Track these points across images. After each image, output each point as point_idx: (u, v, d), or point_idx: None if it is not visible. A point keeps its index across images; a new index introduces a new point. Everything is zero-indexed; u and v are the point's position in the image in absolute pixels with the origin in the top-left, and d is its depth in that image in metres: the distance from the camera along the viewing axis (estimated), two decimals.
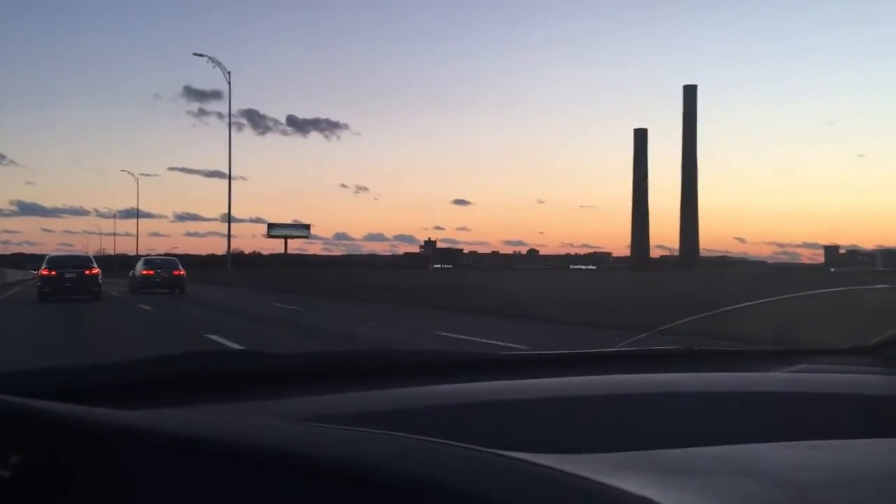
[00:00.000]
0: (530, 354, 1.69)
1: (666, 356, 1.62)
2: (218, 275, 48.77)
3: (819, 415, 1.15)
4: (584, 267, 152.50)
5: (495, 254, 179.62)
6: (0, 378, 1.02)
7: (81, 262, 23.70)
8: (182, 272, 29.50)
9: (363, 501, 0.61)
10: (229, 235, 52.33)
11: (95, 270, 22.98)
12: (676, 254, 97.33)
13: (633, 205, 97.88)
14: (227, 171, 49.68)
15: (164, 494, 0.66)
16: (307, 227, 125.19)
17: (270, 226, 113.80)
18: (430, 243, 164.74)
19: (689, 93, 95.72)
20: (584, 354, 1.57)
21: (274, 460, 0.65)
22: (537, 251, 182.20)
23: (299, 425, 0.84)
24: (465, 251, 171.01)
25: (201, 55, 47.64)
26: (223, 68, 47.12)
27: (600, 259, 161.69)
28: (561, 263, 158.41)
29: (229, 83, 47.81)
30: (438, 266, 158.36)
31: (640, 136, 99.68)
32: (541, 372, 1.32)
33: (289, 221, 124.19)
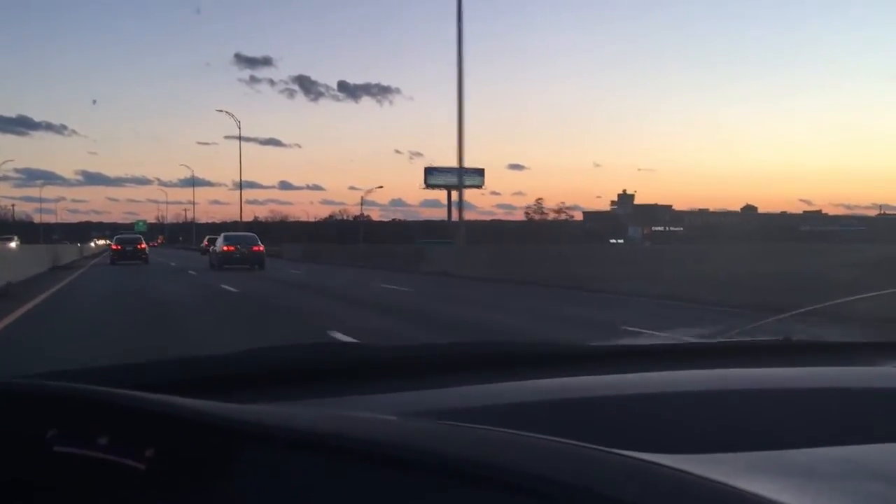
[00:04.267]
0: (626, 347, 1.62)
1: (764, 348, 1.56)
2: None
3: None
4: None
5: (704, 211, 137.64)
6: (116, 372, 1.02)
7: (135, 240, 38.25)
8: (261, 248, 29.56)
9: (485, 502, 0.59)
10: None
11: (143, 245, 37.41)
12: None
13: None
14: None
15: (290, 491, 0.66)
16: (481, 172, 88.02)
17: (428, 171, 76.72)
18: (625, 198, 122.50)
19: None
20: (682, 346, 1.53)
21: (398, 458, 0.64)
22: (755, 208, 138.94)
23: (421, 422, 0.82)
24: (674, 209, 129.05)
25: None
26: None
27: None
28: (817, 224, 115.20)
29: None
30: (662, 229, 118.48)
31: None
32: (634, 366, 1.28)
33: (451, 166, 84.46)
